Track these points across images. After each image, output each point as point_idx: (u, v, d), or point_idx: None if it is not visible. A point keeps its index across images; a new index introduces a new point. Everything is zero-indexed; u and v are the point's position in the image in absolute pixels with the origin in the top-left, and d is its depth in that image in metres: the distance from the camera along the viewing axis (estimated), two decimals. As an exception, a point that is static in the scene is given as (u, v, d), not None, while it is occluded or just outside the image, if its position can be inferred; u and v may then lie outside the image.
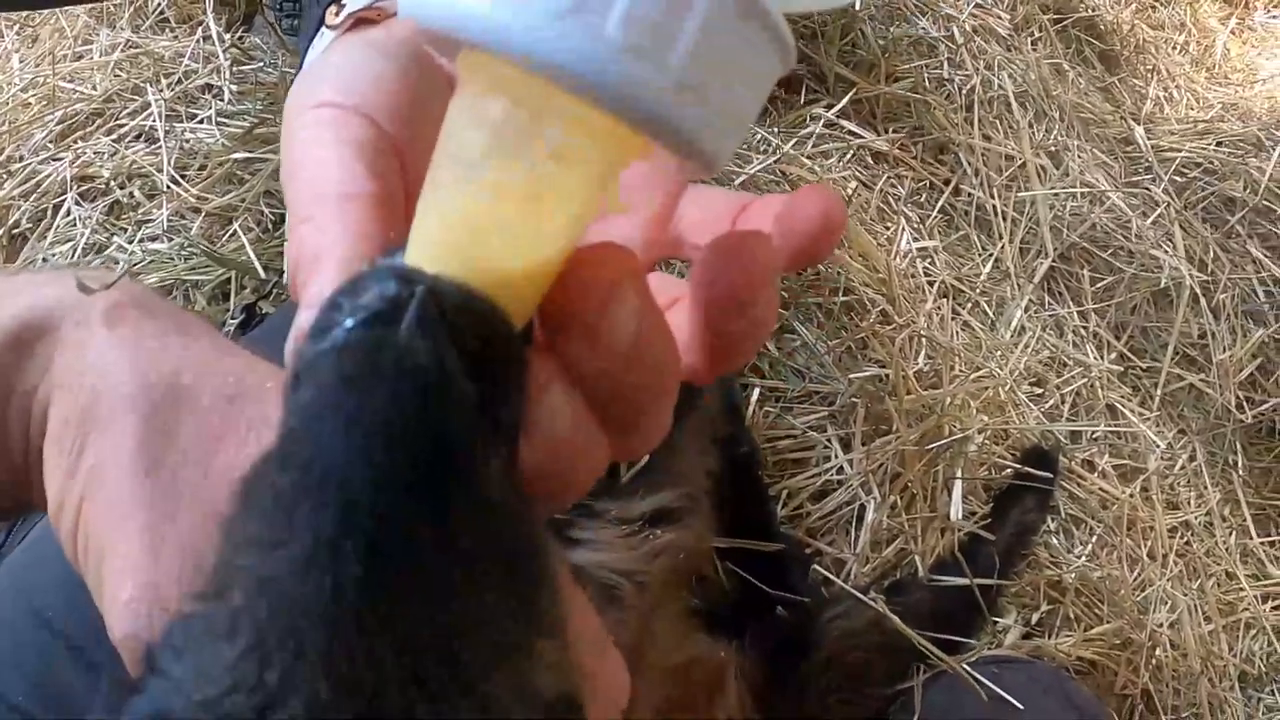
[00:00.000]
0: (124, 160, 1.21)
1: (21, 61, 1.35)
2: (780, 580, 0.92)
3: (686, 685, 0.68)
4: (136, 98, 1.27)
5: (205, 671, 0.22)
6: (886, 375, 1.04)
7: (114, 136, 1.24)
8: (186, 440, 0.35)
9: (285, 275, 1.07)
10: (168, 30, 1.37)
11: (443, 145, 0.25)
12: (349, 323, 0.23)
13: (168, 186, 1.17)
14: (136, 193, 1.19)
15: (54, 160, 1.23)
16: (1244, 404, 1.39)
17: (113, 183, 1.20)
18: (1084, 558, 1.15)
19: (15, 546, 0.73)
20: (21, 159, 1.23)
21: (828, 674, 0.84)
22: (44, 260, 1.15)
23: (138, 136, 1.24)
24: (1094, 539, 1.18)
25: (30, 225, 1.19)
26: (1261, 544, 1.34)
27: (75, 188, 1.20)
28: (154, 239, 1.14)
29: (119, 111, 1.26)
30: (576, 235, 0.25)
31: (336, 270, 0.30)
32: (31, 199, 1.20)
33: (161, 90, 1.25)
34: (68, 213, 1.18)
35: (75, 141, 1.25)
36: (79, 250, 1.14)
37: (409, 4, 0.24)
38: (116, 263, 1.12)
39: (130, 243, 1.14)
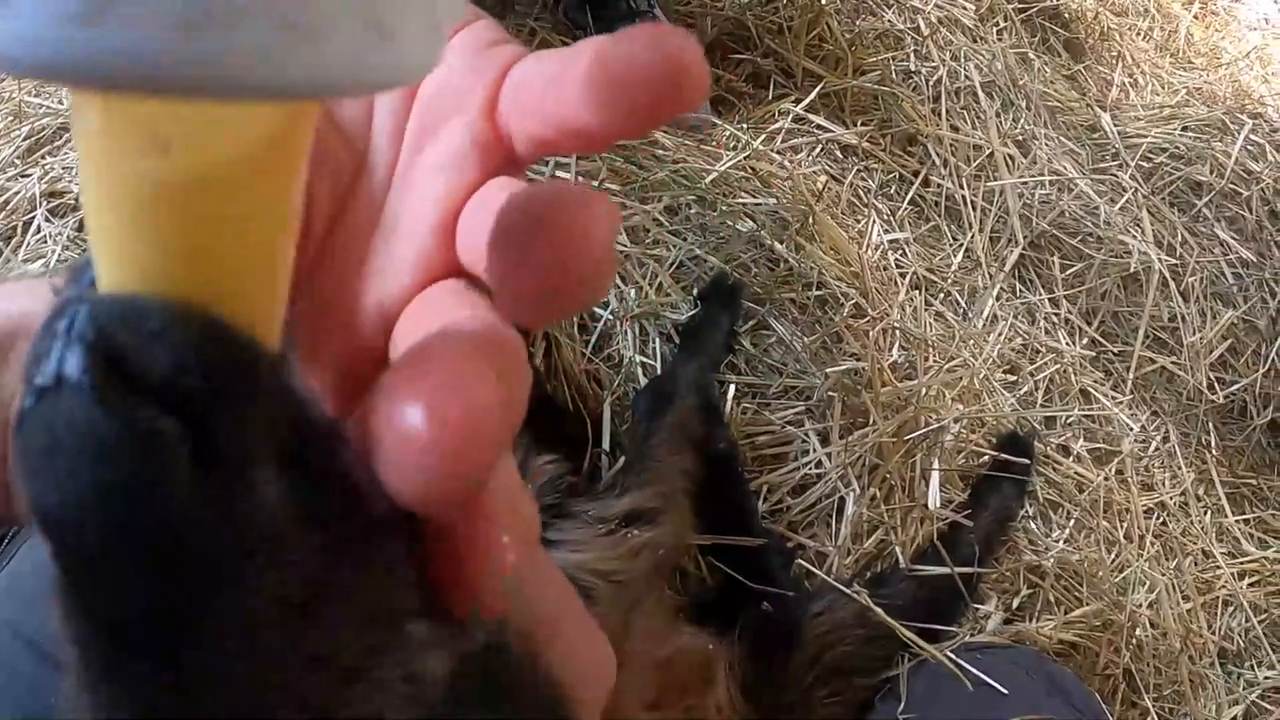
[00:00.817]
0: (92, 175, 1.21)
1: (-15, 79, 1.35)
2: (764, 574, 0.93)
3: (673, 677, 0.70)
4: (103, 112, 1.27)
5: None
6: (862, 369, 1.06)
7: (81, 152, 1.24)
8: None
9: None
10: (132, 43, 1.36)
11: (82, 186, 0.20)
12: (20, 400, 0.19)
13: (137, 201, 1.17)
14: (106, 208, 1.19)
15: (22, 177, 1.22)
16: (1215, 385, 1.42)
17: (80, 199, 1.20)
18: (1062, 542, 1.17)
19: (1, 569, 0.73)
20: (-12, 177, 1.23)
21: (815, 668, 0.86)
22: (18, 277, 1.15)
23: (105, 151, 1.24)
24: (1071, 523, 1.20)
25: (1, 243, 1.18)
26: (1236, 522, 1.37)
27: (45, 204, 1.20)
28: (22, 279, 1.15)
29: (85, 126, 1.26)
30: (280, 206, 0.20)
31: None
32: (0, 216, 1.20)
33: (128, 104, 1.25)
34: (38, 230, 1.18)
35: (43, 157, 1.25)
36: (51, 267, 1.14)
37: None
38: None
39: (101, 258, 1.14)
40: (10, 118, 1.28)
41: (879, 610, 0.89)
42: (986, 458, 1.15)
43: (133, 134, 0.17)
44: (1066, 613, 1.13)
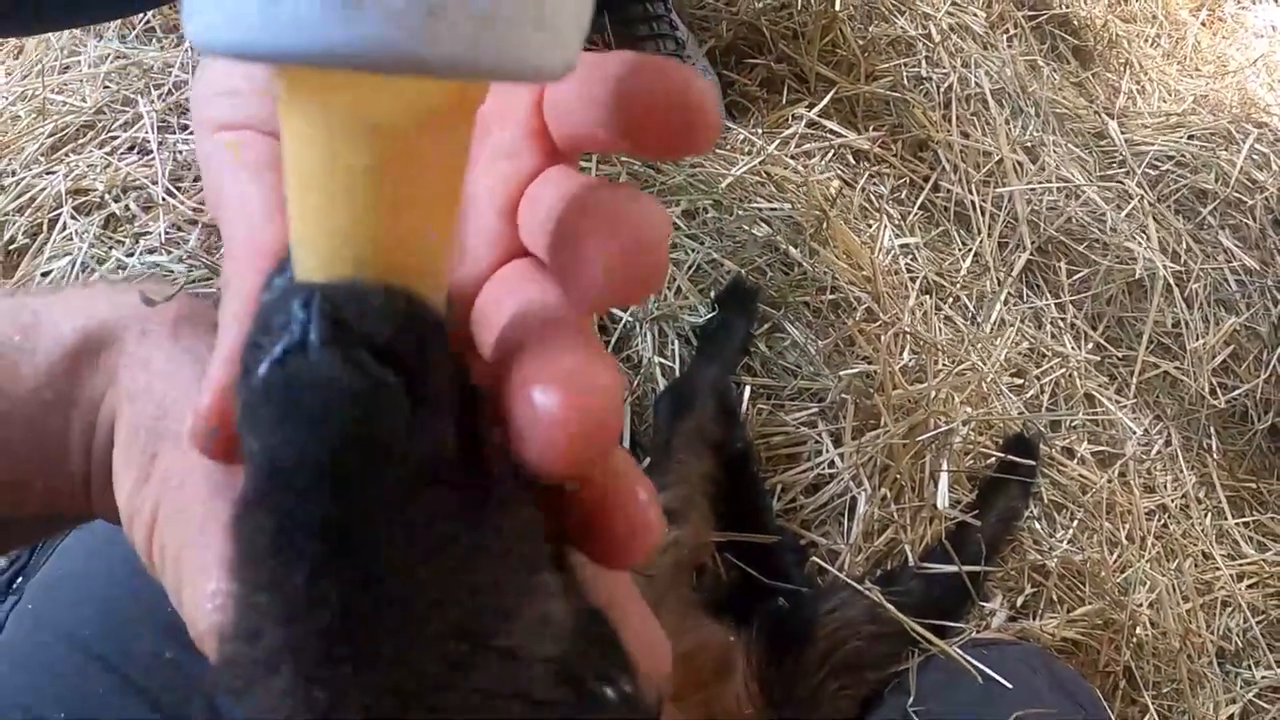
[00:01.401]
0: (117, 173, 1.24)
1: (8, 74, 1.37)
2: (777, 571, 0.97)
3: (695, 668, 0.73)
4: (127, 109, 1.30)
5: (264, 705, 0.24)
6: (874, 372, 1.09)
7: (106, 149, 1.27)
8: None
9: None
10: (155, 40, 1.39)
11: (286, 169, 0.24)
12: (265, 364, 0.23)
13: (163, 199, 1.20)
14: (132, 205, 1.22)
15: (47, 174, 1.25)
16: (1217, 390, 1.45)
17: (107, 195, 1.23)
18: (1066, 542, 1.21)
19: (39, 567, 0.76)
20: (14, 173, 1.26)
21: (827, 662, 0.89)
22: (43, 275, 1.18)
23: (130, 148, 1.27)
24: (1075, 523, 1.24)
25: (26, 240, 1.21)
26: (1236, 524, 1.41)
27: (70, 201, 1.22)
28: (152, 251, 1.17)
29: (110, 124, 1.29)
30: (455, 191, 0.24)
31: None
32: (26, 214, 1.22)
33: (153, 101, 1.28)
34: (63, 227, 1.21)
35: (67, 154, 1.28)
36: (78, 264, 1.17)
37: (194, 34, 0.22)
38: (118, 272, 1.15)
39: (129, 255, 1.17)
40: (34, 114, 1.31)
41: (890, 607, 0.92)
42: (993, 459, 1.19)
43: (348, 119, 0.21)
44: (1069, 611, 1.17)
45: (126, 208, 1.22)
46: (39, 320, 0.40)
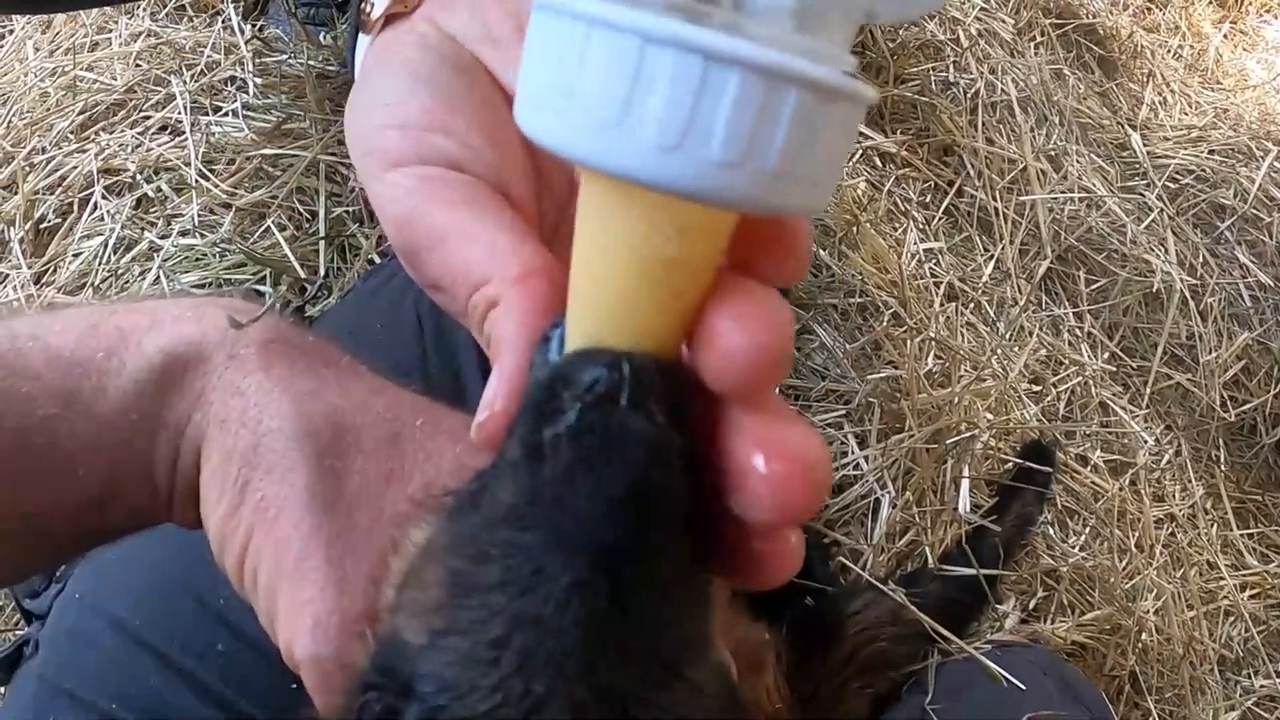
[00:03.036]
0: (149, 153, 1.26)
1: (37, 50, 1.39)
2: (803, 569, 1.01)
3: (737, 664, 0.77)
4: (159, 89, 1.32)
5: (468, 690, 0.28)
6: (900, 377, 1.14)
7: (138, 129, 1.29)
8: (357, 481, 0.40)
9: (326, 275, 1.14)
10: (186, 19, 1.41)
11: (584, 245, 0.30)
12: (576, 407, 0.28)
13: (196, 181, 1.22)
14: (164, 186, 1.24)
15: (78, 153, 1.27)
16: (1228, 403, 1.51)
17: (139, 176, 1.25)
18: (1078, 548, 1.26)
19: (83, 557, 0.75)
20: (44, 150, 1.28)
21: (852, 662, 0.94)
22: (75, 255, 1.20)
23: (162, 129, 1.29)
24: (1087, 530, 1.29)
25: (57, 219, 1.24)
26: (1241, 536, 1.46)
27: (101, 181, 1.25)
28: (185, 234, 1.20)
29: (142, 103, 1.31)
30: (704, 290, 0.30)
31: (508, 373, 0.33)
32: (56, 193, 1.25)
33: (185, 82, 1.30)
34: (94, 207, 1.24)
35: (98, 133, 1.30)
36: (109, 245, 1.20)
37: (531, 128, 0.28)
38: (151, 257, 1.18)
39: (162, 238, 1.19)
40: (64, 92, 1.33)
41: (914, 609, 0.97)
42: (1010, 464, 1.23)
43: (658, 225, 0.27)
44: (1079, 615, 1.22)
45: (159, 189, 1.24)
46: (125, 340, 0.42)
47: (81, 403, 0.41)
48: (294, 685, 0.67)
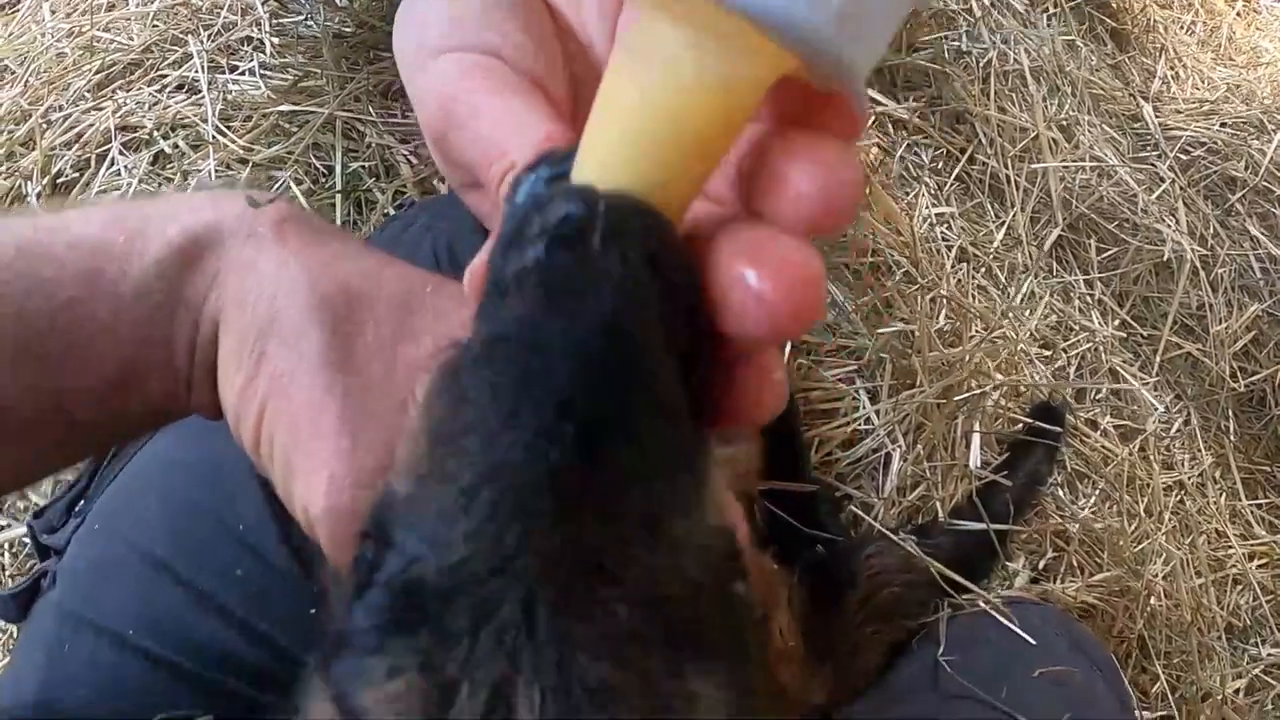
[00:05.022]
0: (166, 110, 1.28)
1: (54, 12, 1.41)
2: (814, 520, 1.03)
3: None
4: (175, 49, 1.34)
5: (442, 540, 0.27)
6: (911, 332, 1.15)
7: (155, 87, 1.31)
8: (369, 342, 0.41)
9: (341, 229, 1.15)
10: (202, -19, 1.43)
11: (621, 68, 0.29)
12: (542, 244, 0.27)
13: (213, 137, 1.24)
14: (181, 143, 1.26)
15: (95, 110, 1.29)
16: (1238, 373, 1.52)
17: (155, 133, 1.27)
18: (1087, 510, 1.27)
19: (100, 491, 0.78)
20: (61, 109, 1.30)
21: (865, 607, 0.95)
22: (93, 207, 1.22)
23: (179, 87, 1.31)
24: (1096, 493, 1.30)
25: (74, 174, 1.26)
26: (1250, 506, 1.48)
27: (119, 138, 1.27)
28: (202, 189, 1.22)
29: (159, 62, 1.33)
30: (731, 144, 0.30)
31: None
32: (74, 149, 1.27)
33: (202, 41, 1.32)
34: (112, 162, 1.26)
35: (114, 92, 1.32)
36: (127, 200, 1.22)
37: None
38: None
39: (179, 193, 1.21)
40: (82, 51, 1.35)
41: (925, 556, 0.98)
42: (1021, 425, 1.25)
43: (710, 70, 0.27)
44: (1088, 577, 1.24)
45: (175, 145, 1.26)
46: (146, 224, 0.43)
47: (104, 286, 0.41)
48: (312, 610, 0.68)
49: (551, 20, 0.41)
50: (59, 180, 1.26)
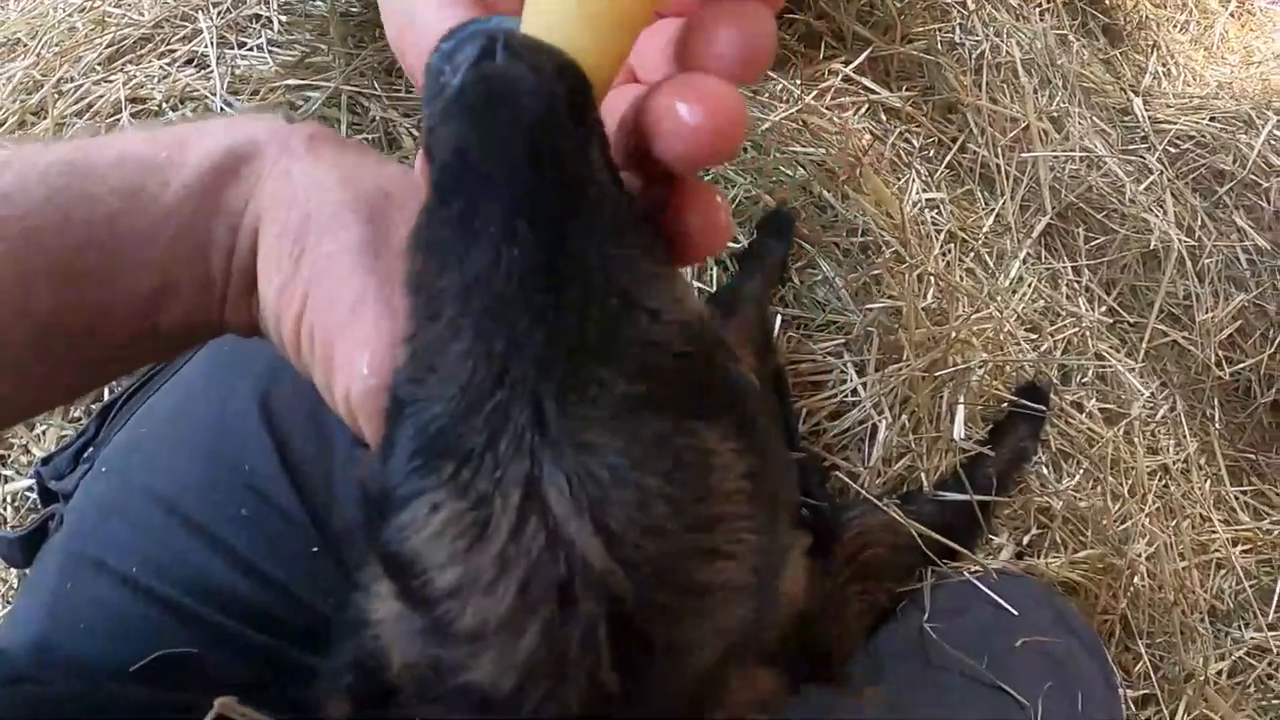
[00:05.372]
0: (176, 83, 1.31)
1: (65, -14, 1.44)
2: (801, 488, 1.05)
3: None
4: (185, 24, 1.37)
5: (445, 375, 0.29)
6: (899, 308, 1.18)
7: (165, 60, 1.34)
8: (402, 233, 0.41)
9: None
10: (212, -40, 1.46)
11: None
12: (457, 76, 0.29)
13: (221, 109, 1.27)
14: (189, 115, 1.29)
15: (105, 82, 1.32)
16: (1223, 362, 1.54)
17: (165, 104, 1.30)
18: (1071, 488, 1.29)
19: (109, 440, 0.79)
20: (72, 79, 1.33)
21: (851, 564, 0.97)
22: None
23: (188, 62, 1.35)
24: (1081, 472, 1.32)
25: (86, 143, 1.28)
26: (1234, 492, 1.50)
27: (128, 109, 1.30)
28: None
29: (169, 37, 1.36)
30: (649, 17, 0.33)
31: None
32: (85, 118, 1.30)
33: (212, 17, 1.35)
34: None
35: (125, 65, 1.35)
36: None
37: None
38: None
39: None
40: (93, 25, 1.38)
41: (907, 520, 1.00)
42: (1006, 404, 1.27)
43: None
44: (1072, 553, 1.26)
45: (184, 116, 1.29)
46: (187, 139, 0.45)
47: (144, 198, 0.43)
48: (315, 550, 0.70)
49: None
50: (69, 149, 1.29)
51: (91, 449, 0.82)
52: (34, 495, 1.02)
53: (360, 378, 0.40)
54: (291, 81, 1.29)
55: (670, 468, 0.28)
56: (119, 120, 1.29)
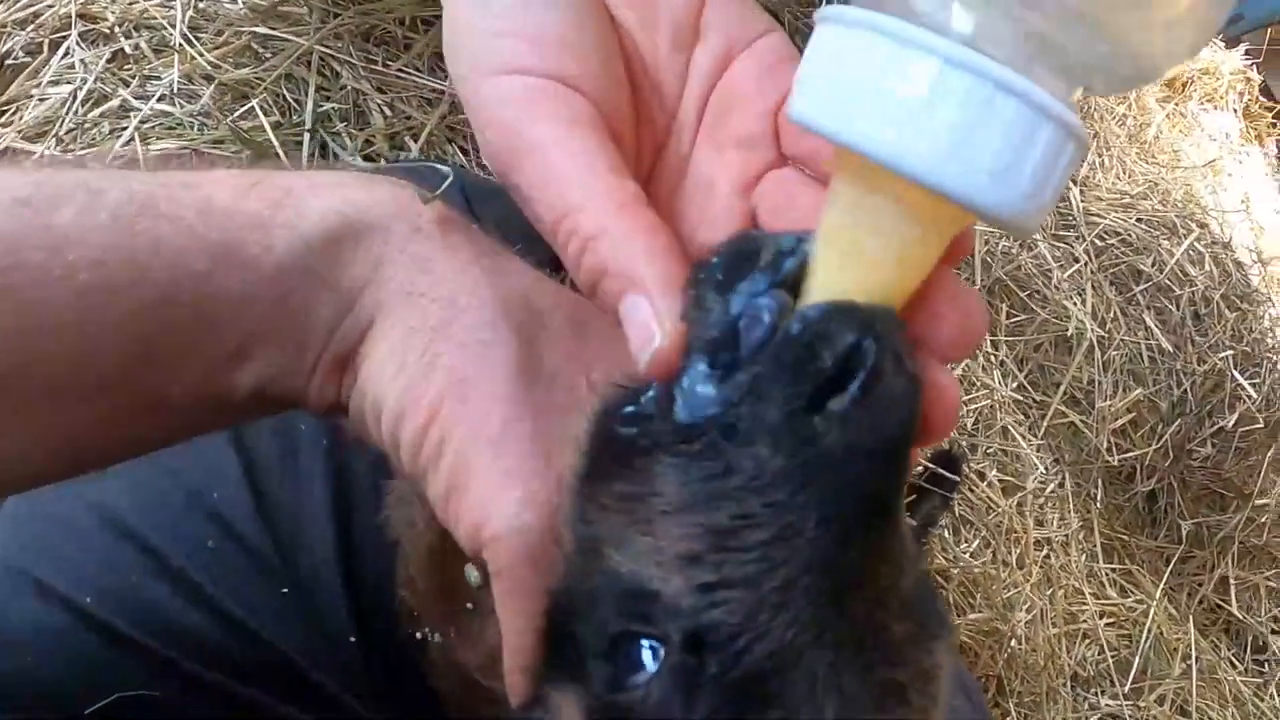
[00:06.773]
0: (132, 6, 1.24)
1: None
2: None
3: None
4: (150, -55, 1.29)
5: (762, 632, 0.32)
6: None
7: (124, -19, 1.26)
8: (553, 359, 0.40)
9: (306, 167, 1.14)
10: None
11: (835, 225, 0.34)
12: (859, 381, 0.32)
13: (179, 45, 1.21)
14: (144, 44, 1.22)
15: (56, -7, 1.24)
16: (1113, 448, 1.66)
17: (118, 29, 1.23)
18: (968, 554, 1.37)
19: None
20: (17, -17, 1.24)
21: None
22: (40, 100, 1.17)
23: (150, -13, 1.27)
24: (978, 540, 1.40)
25: (25, 58, 1.20)
26: (1105, 569, 1.62)
27: (78, 25, 1.22)
28: (161, 99, 1.19)
29: (131, -44, 1.28)
30: (929, 267, 0.35)
31: (662, 293, 0.35)
32: (28, 29, 1.21)
33: (181, -54, 1.28)
34: (67, 52, 1.21)
35: (78, -23, 1.26)
36: (78, 97, 1.17)
37: (812, 114, 0.33)
38: (125, 115, 1.16)
39: (137, 99, 1.18)
40: (46, -71, 1.29)
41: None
42: (922, 468, 1.34)
43: (916, 213, 0.33)
44: (964, 616, 1.34)
45: (137, 46, 1.22)
46: (289, 196, 0.40)
47: (243, 257, 0.39)
48: (284, 590, 0.65)
49: (611, 25, 0.41)
50: (6, 62, 1.20)
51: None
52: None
53: (509, 513, 0.38)
54: (260, 29, 1.23)
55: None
56: (66, 38, 1.21)
